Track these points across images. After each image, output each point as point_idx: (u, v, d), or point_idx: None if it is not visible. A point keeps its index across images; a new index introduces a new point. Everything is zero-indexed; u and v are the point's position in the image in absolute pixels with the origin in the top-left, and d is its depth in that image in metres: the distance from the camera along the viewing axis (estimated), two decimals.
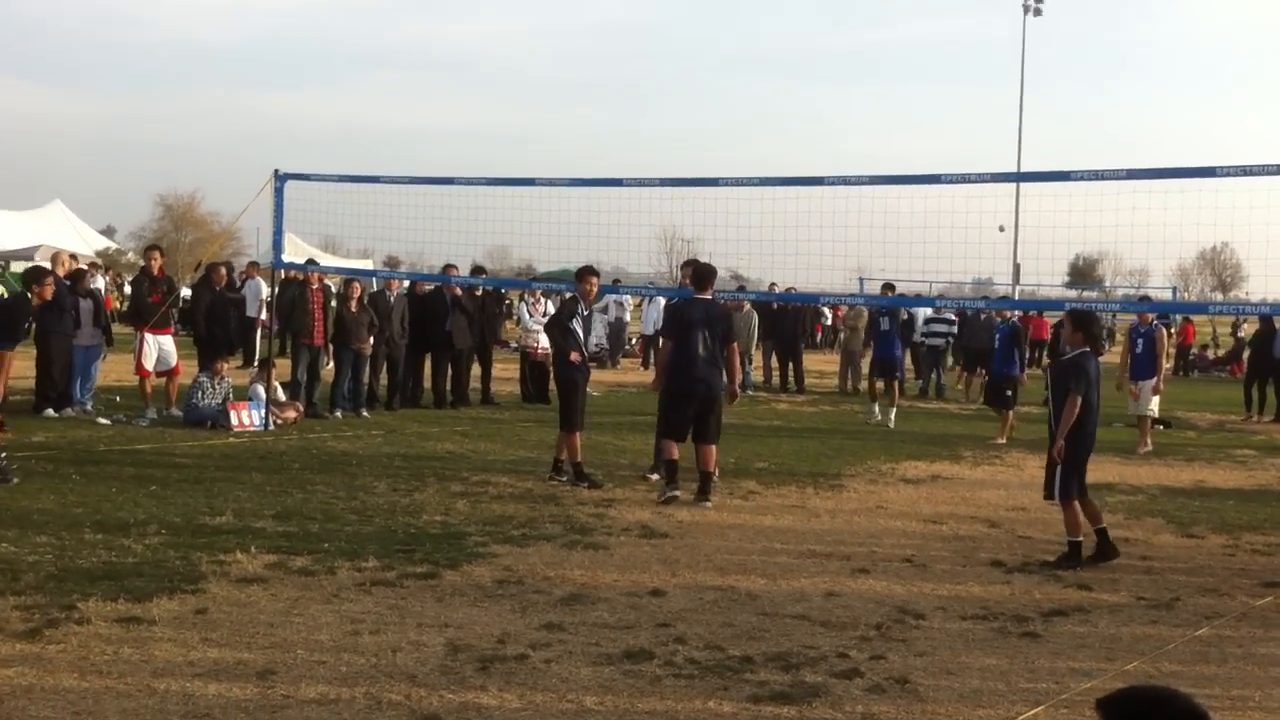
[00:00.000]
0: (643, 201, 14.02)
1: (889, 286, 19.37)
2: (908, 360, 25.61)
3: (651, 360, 28.65)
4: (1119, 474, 14.03)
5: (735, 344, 11.74)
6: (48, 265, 16.13)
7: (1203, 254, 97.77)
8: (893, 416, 17.73)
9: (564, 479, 11.95)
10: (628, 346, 30.93)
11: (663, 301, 28.31)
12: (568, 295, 13.29)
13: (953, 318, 25.12)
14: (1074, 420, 9.22)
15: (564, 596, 7.72)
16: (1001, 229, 16.89)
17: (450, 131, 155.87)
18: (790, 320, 24.67)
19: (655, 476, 12.21)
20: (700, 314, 11.56)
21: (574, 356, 12.19)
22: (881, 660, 6.67)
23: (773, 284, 22.85)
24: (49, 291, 12.86)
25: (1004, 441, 16.35)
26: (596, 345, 29.15)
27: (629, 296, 31.15)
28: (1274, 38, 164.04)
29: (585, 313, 12.59)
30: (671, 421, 11.63)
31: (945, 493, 12.51)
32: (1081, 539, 9.31)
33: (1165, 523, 11.17)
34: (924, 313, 24.60)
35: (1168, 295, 59.11)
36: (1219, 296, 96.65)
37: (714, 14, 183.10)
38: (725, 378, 11.63)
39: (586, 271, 12.68)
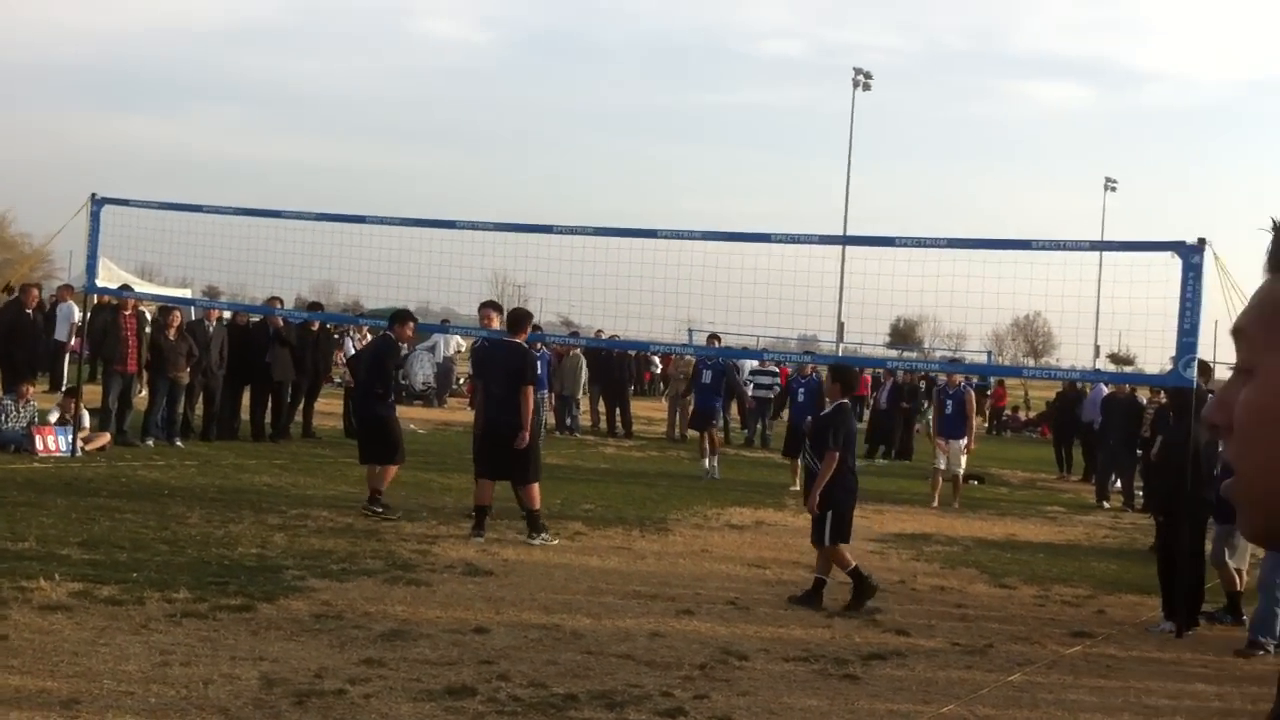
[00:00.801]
0: (476, 245, 13.99)
1: (714, 337, 19.59)
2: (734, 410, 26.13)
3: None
4: (935, 525, 14.44)
5: (528, 386, 11.51)
6: None
7: (1016, 321, 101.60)
8: (715, 464, 17.86)
9: (374, 511, 11.77)
10: (455, 386, 30.64)
11: None
12: (381, 334, 13.19)
13: (776, 369, 25.56)
14: (830, 473, 9.42)
15: (384, 632, 7.55)
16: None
17: (288, 167, 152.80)
18: (618, 365, 24.83)
19: None
20: (500, 356, 11.67)
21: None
22: (705, 700, 6.68)
23: (598, 330, 22.92)
24: None
25: (797, 488, 16.51)
26: (424, 384, 28.85)
27: (458, 337, 30.88)
28: (1091, 125, 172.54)
29: (405, 351, 12.53)
30: (479, 462, 11.62)
31: (769, 539, 12.67)
32: (851, 569, 9.49)
33: (979, 573, 11.50)
34: (749, 364, 24.99)
35: (983, 359, 61.30)
36: (1031, 362, 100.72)
37: (557, 67, 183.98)
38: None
39: (406, 316, 12.79)
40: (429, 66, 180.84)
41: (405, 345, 12.55)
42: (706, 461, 17.77)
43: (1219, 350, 13.93)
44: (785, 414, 20.10)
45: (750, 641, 8.10)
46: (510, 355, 11.56)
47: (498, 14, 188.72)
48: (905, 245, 11.59)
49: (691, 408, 19.90)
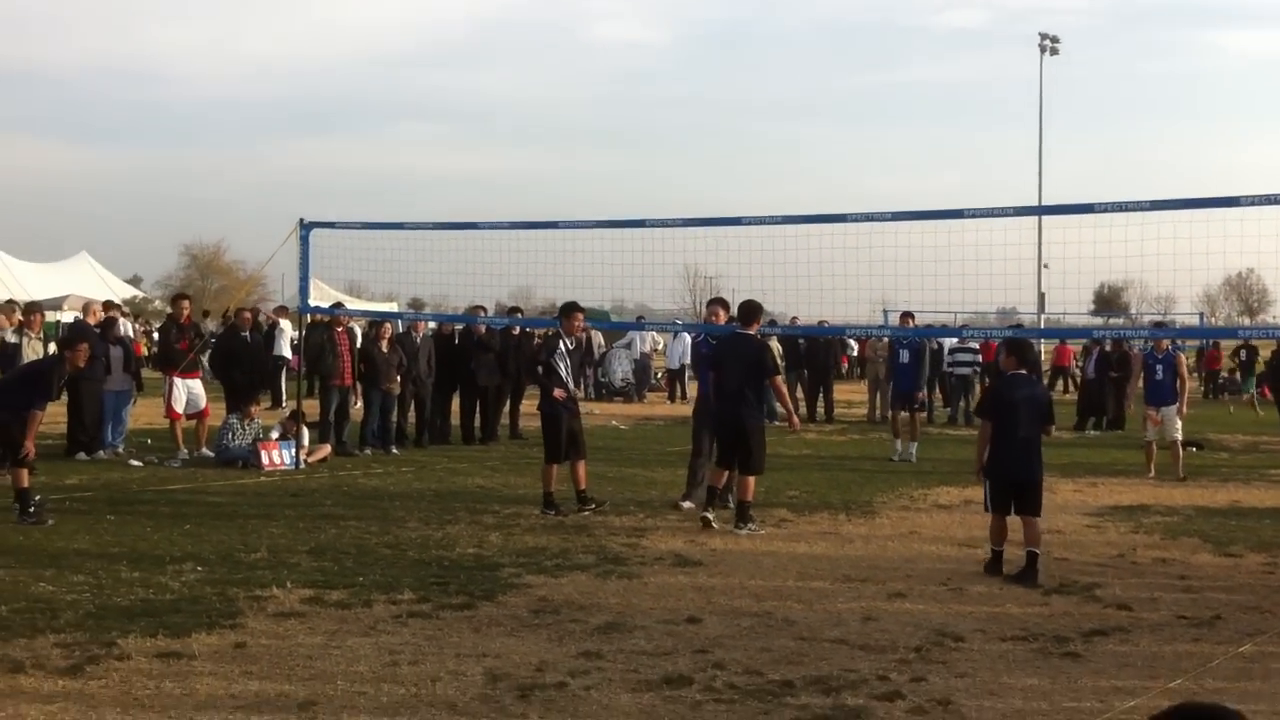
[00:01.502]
0: (665, 241, 14.10)
1: (907, 315, 19.29)
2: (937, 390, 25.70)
3: (678, 394, 28.74)
4: (1153, 496, 13.97)
5: (775, 377, 11.86)
6: (87, 319, 16.34)
7: (1228, 280, 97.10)
8: (914, 450, 17.54)
9: (552, 512, 11.96)
10: (653, 381, 30.96)
11: (688, 337, 28.46)
12: (550, 332, 13.35)
13: (976, 346, 25.06)
14: (986, 441, 9.81)
15: (600, 625, 7.70)
16: (1046, 266, 16.68)
17: (474, 179, 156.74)
18: (822, 351, 24.77)
19: (687, 504, 12.27)
20: (738, 348, 11.75)
21: (557, 394, 12.27)
22: (922, 682, 6.63)
23: (794, 318, 22.79)
24: (81, 359, 12.78)
25: None
26: (623, 381, 29.24)
27: (654, 333, 31.21)
28: None
29: (570, 347, 12.63)
30: (719, 451, 11.86)
31: (979, 518, 12.34)
32: (1000, 550, 9.65)
33: (1202, 542, 11.08)
34: (949, 342, 24.55)
35: (1194, 321, 58.80)
36: (1246, 321, 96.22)
37: (734, 59, 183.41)
38: (764, 411, 11.72)
39: (572, 309, 12.80)
40: (607, 70, 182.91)
41: (573, 339, 12.63)
42: (899, 444, 17.51)
43: None
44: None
45: (966, 622, 8.00)
46: (747, 348, 11.71)
47: (671, 13, 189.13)
48: (1105, 211, 11.22)
49: (890, 389, 19.57)
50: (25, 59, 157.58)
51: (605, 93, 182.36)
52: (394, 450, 16.99)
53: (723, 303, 13.69)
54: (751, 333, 11.90)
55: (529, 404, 20.07)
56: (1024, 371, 10.01)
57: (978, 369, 25.27)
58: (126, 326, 21.30)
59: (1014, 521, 9.65)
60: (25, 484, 10.98)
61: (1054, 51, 57.53)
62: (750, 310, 12.02)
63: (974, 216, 11.89)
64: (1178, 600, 8.78)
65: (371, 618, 7.79)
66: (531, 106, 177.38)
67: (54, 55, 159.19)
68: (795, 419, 11.76)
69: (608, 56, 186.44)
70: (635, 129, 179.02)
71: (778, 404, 13.73)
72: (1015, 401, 9.72)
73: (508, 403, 19.40)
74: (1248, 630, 7.93)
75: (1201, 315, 64.60)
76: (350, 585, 8.64)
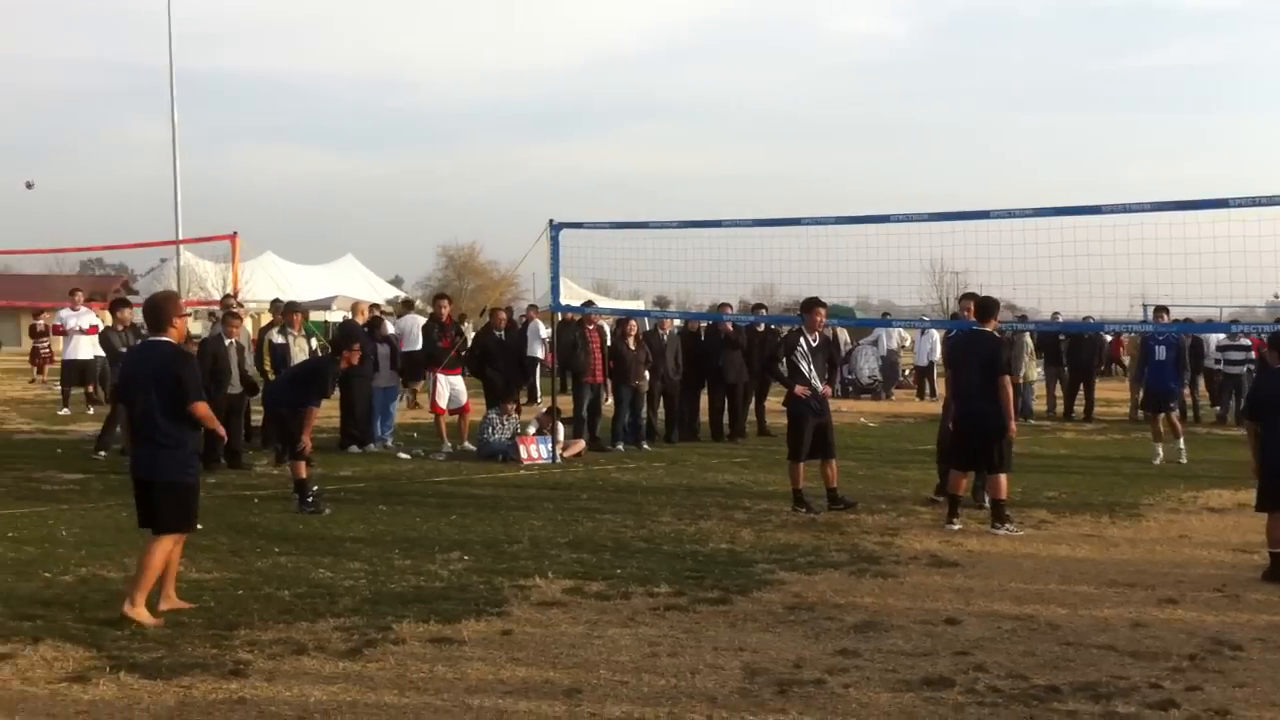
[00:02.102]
0: (910, 236, 13.87)
1: (1162, 310, 18.34)
2: (1201, 388, 24.48)
3: (927, 391, 28.26)
4: None
5: (1005, 376, 11.38)
6: (355, 318, 17.20)
7: None
8: (1183, 448, 16.70)
9: (803, 509, 11.89)
10: (901, 378, 30.50)
11: (936, 334, 27.94)
12: (792, 329, 13.16)
13: (1248, 342, 23.74)
14: (1257, 441, 9.57)
15: (856, 623, 7.67)
16: None
17: (712, 176, 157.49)
18: (1087, 348, 23.87)
19: (942, 498, 12.07)
20: (969, 346, 11.55)
21: (799, 391, 12.15)
22: (1198, 691, 6.36)
23: (1055, 314, 22.02)
24: (356, 358, 13.56)
25: None
26: (870, 378, 28.92)
27: (901, 329, 30.72)
28: None
29: (813, 344, 12.42)
30: (954, 451, 11.60)
31: (1254, 521, 11.68)
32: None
33: None
34: (1216, 338, 23.36)
35: None
36: None
37: (978, 48, 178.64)
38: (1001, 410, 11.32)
39: (813, 303, 12.63)
40: (844, 64, 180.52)
41: (815, 335, 12.42)
42: (1159, 448, 16.70)
43: None
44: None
45: (1243, 630, 7.62)
46: (983, 344, 11.46)
47: (908, 4, 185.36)
48: None
49: (1143, 388, 18.62)
50: (291, 71, 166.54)
51: (843, 87, 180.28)
52: (645, 446, 17.29)
53: (974, 298, 13.38)
54: (989, 329, 11.58)
55: (775, 401, 20.15)
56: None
57: (1251, 368, 23.95)
58: (391, 325, 22.25)
59: None
60: (304, 475, 11.65)
61: None
62: (987, 306, 11.69)
63: (1239, 206, 11.28)
64: None
65: (630, 609, 7.96)
66: (768, 102, 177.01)
67: (320, 68, 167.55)
68: (1013, 425, 11.30)
69: (844, 50, 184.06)
70: (874, 122, 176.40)
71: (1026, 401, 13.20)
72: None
73: (754, 399, 19.46)
74: None
75: None
76: (609, 577, 8.85)
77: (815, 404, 12.26)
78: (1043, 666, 6.79)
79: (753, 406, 19.42)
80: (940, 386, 21.56)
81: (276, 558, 9.34)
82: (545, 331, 25.16)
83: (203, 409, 7.64)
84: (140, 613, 7.43)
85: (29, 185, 20.96)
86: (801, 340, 12.36)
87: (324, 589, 8.37)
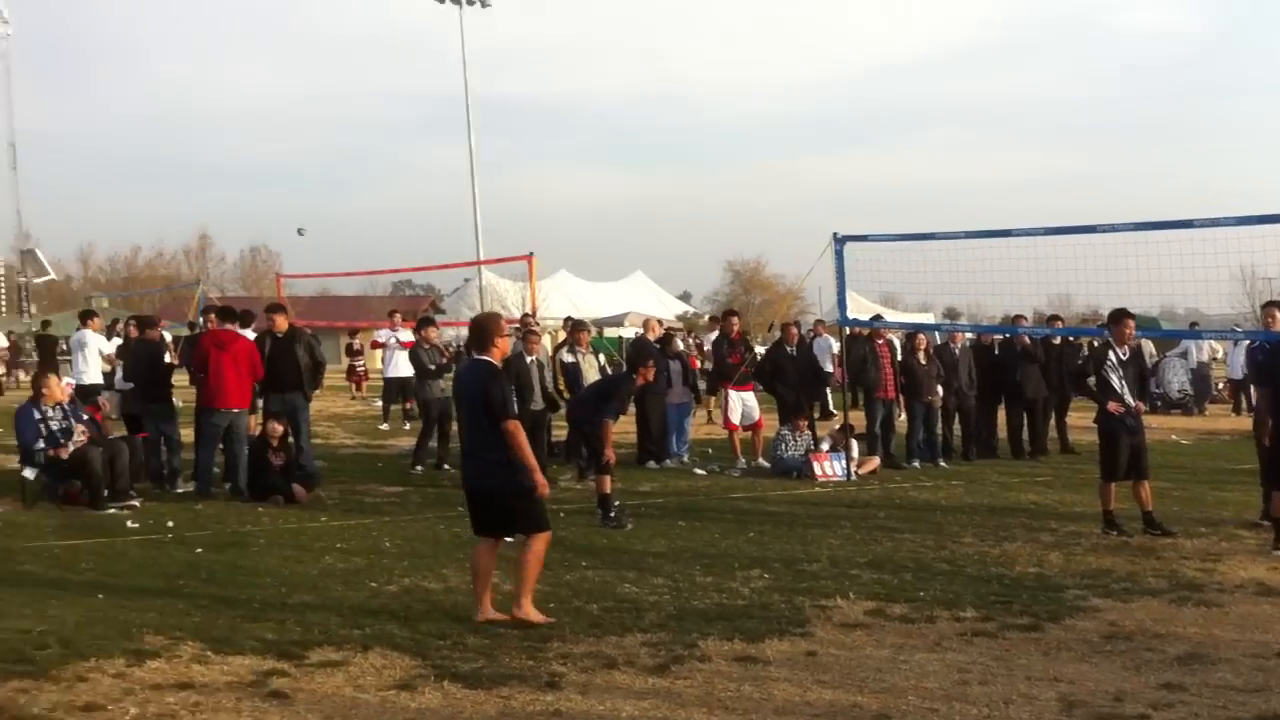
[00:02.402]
0: (1216, 242, 13.09)
1: None
2: None
3: (1243, 406, 26.62)
4: None
5: None
6: (647, 334, 17.58)
7: None
8: None
9: (1114, 532, 11.35)
10: (1214, 391, 28.85)
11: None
12: (1097, 342, 12.57)
13: None
14: None
15: (1180, 655, 7.30)
16: None
17: (1000, 183, 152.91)
18: None
19: (1267, 522, 11.36)
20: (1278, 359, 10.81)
21: (1112, 407, 11.60)
22: None
23: None
24: (651, 374, 13.92)
25: None
26: (1180, 393, 27.48)
27: (1211, 341, 29.06)
28: None
29: (1123, 357, 11.83)
30: (1273, 471, 10.91)
31: None
32: None
33: None
34: None
35: None
36: None
37: (1268, 41, 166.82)
38: None
39: (1122, 314, 12.01)
40: (1136, 61, 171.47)
41: (1124, 348, 11.84)
42: None
43: None
44: None
45: None
46: None
47: None
48: None
49: None
50: (574, 94, 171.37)
51: (1135, 85, 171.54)
52: (941, 463, 16.95)
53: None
54: None
55: (1076, 417, 19.42)
56: None
57: None
58: (679, 342, 22.60)
59: None
60: (607, 489, 11.97)
61: None
62: None
63: None
64: None
65: (936, 633, 7.82)
66: (1054, 104, 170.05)
67: (604, 89, 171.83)
68: None
69: (1139, 46, 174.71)
70: (1169, 122, 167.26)
71: None
72: None
73: (1054, 415, 18.79)
74: None
75: None
76: (911, 599, 8.72)
77: (1130, 421, 11.74)
78: None
79: (1053, 422, 18.74)
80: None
81: (584, 571, 9.63)
82: (835, 346, 25.01)
83: (512, 426, 7.95)
84: (530, 613, 7.91)
85: (300, 233, 22.38)
86: (1110, 353, 11.85)
87: (630, 604, 8.57)
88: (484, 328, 8.30)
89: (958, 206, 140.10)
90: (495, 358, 8.20)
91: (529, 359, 15.42)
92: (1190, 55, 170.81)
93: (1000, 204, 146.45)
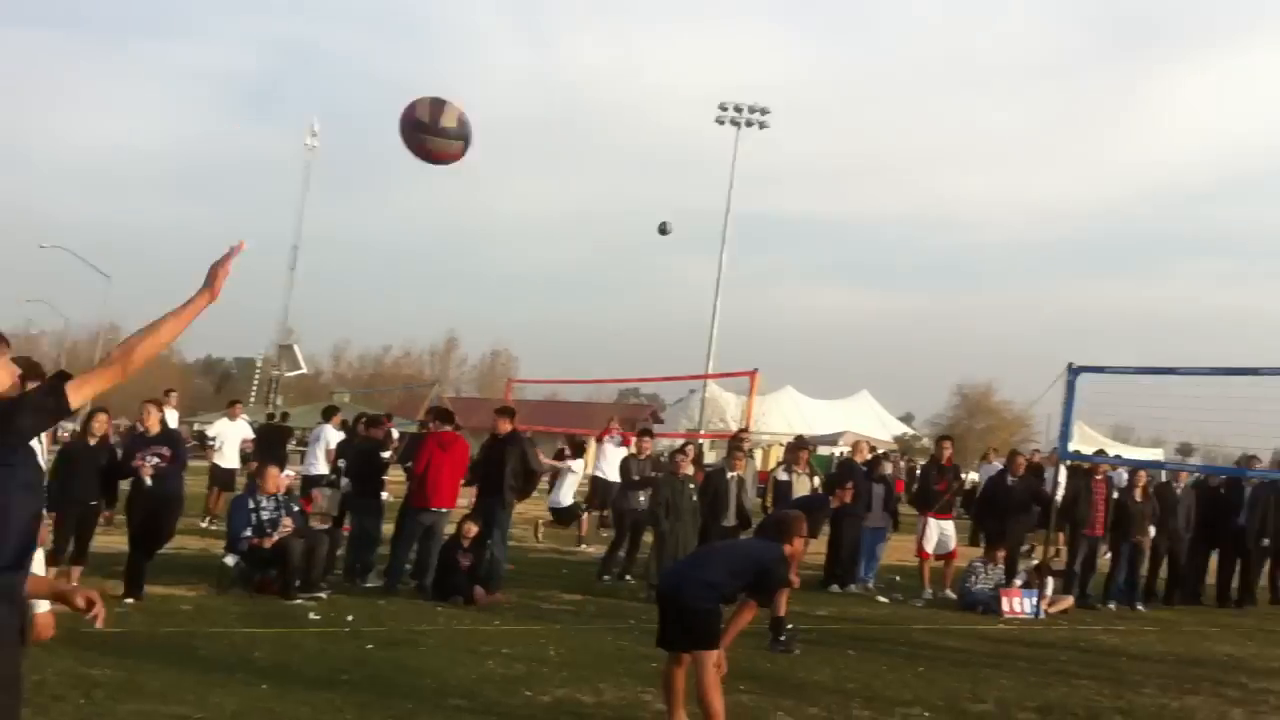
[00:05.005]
0: None
1: None
2: None
3: None
4: None
5: None
6: (854, 457, 17.62)
7: None
8: None
9: None
10: None
11: None
12: None
13: None
14: None
15: None
16: None
17: (1266, 317, 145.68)
18: None
19: None
20: None
21: None
22: None
23: None
24: (849, 496, 14.04)
25: None
26: None
27: None
28: None
29: None
30: None
31: None
32: None
33: None
34: None
35: None
36: None
37: None
38: None
39: None
40: None
41: None
42: None
43: None
44: None
45: None
46: None
47: None
48: None
49: None
50: (831, 213, 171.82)
51: None
52: (1139, 607, 16.28)
53: None
54: None
55: None
56: None
57: None
58: (887, 466, 22.33)
59: None
60: (782, 612, 11.94)
61: None
62: None
63: None
64: None
65: None
66: None
67: (857, 207, 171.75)
68: None
69: None
70: None
71: None
72: None
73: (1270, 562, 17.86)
74: None
75: None
76: None
77: None
78: None
79: (1267, 569, 17.80)
80: None
81: (739, 695, 9.63)
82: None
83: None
84: None
85: (664, 230, 22.06)
86: None
87: None
88: (787, 525, 9.01)
89: (1212, 339, 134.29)
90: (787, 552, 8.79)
91: (730, 475, 15.61)
92: None
93: (1257, 337, 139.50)
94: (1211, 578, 17.51)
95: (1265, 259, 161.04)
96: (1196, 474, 18.95)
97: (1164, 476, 18.78)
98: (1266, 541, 17.39)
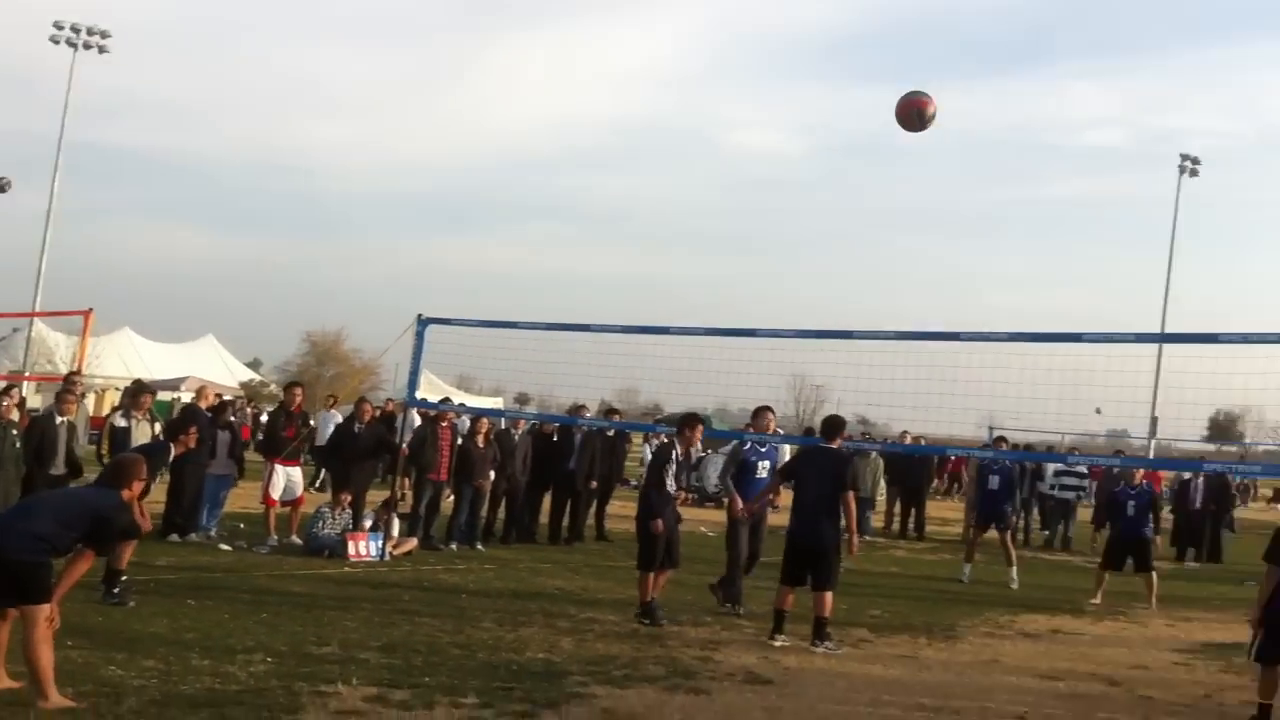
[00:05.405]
0: (776, 350, 14.12)
1: (1001, 440, 18.91)
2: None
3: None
4: (1247, 633, 13.35)
5: (850, 493, 11.65)
6: (199, 402, 16.79)
7: None
8: (1014, 575, 17.08)
9: (648, 621, 11.85)
10: None
11: (787, 448, 28.11)
12: (664, 439, 13.49)
13: (1084, 470, 24.61)
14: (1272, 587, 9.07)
15: None
16: (1099, 411, 16.13)
17: (600, 279, 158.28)
18: (917, 467, 24.39)
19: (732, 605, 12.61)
20: (818, 462, 11.71)
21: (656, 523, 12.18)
22: None
23: (904, 433, 22.36)
24: (193, 441, 13.41)
25: (1097, 601, 15.57)
26: (716, 487, 29.00)
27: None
28: None
29: (681, 458, 12.68)
30: (785, 567, 11.63)
31: (1064, 648, 12.09)
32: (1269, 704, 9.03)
33: None
34: (1054, 466, 24.11)
35: None
36: None
37: (857, 170, 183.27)
38: (843, 526, 11.56)
39: (693, 421, 12.97)
40: (741, 177, 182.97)
41: (687, 450, 12.70)
42: (968, 568, 17.19)
43: None
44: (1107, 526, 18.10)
45: None
46: (827, 461, 11.66)
47: (812, 121, 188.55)
48: (1230, 342, 10.88)
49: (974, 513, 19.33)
50: (181, 150, 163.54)
51: (736, 200, 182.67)
52: (479, 547, 17.06)
53: (769, 409, 13.99)
54: (834, 447, 11.82)
55: (618, 505, 20.17)
56: None
57: (1081, 494, 24.85)
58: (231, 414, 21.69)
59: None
60: (122, 565, 11.16)
61: (1194, 173, 56.86)
62: (833, 425, 11.99)
63: (1093, 341, 11.71)
64: None
65: None
66: (664, 212, 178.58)
67: (208, 145, 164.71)
68: (856, 540, 11.55)
69: (745, 164, 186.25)
70: (761, 236, 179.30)
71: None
72: None
73: (596, 503, 19.42)
74: None
75: None
76: (416, 685, 8.62)
77: (671, 515, 12.40)
78: None
79: (593, 510, 19.33)
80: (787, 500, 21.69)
81: (68, 651, 8.88)
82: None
83: None
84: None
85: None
86: (674, 454, 12.58)
87: (111, 688, 7.99)
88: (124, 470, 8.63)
89: (556, 296, 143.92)
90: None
91: (59, 420, 14.45)
92: (790, 176, 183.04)
93: (595, 298, 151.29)
94: (545, 518, 18.66)
95: (594, 225, 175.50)
96: (533, 421, 20.09)
97: (503, 424, 19.72)
98: (595, 484, 18.85)
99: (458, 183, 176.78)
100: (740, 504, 13.18)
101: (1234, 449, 61.46)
